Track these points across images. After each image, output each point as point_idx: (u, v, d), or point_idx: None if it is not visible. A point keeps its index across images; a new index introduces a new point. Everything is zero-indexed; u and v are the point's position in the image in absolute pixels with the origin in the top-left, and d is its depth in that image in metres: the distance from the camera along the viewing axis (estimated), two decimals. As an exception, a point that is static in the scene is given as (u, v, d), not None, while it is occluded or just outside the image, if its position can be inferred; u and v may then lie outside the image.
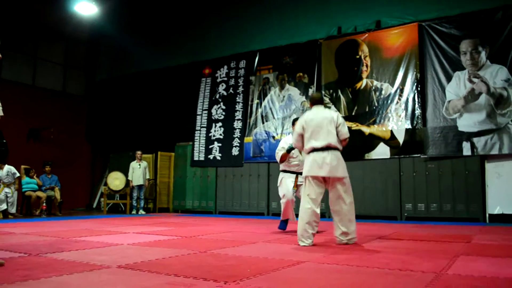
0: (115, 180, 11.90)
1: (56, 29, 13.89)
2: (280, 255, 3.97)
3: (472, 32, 9.08)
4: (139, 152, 11.76)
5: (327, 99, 10.43)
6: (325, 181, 4.76)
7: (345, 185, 4.74)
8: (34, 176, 10.77)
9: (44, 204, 10.46)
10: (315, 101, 5.10)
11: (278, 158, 6.19)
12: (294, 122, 6.07)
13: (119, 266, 3.34)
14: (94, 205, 14.38)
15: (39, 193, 10.51)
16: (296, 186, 6.17)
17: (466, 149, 8.75)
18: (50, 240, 5.09)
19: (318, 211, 4.72)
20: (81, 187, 14.42)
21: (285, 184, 6.23)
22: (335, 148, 4.75)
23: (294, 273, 3.16)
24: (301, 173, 5.54)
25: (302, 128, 4.91)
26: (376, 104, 9.83)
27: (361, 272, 3.18)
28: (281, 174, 6.39)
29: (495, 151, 8.51)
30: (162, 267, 3.31)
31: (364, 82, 10.13)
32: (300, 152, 6.04)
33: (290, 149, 6.00)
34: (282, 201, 6.23)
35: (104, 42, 15.06)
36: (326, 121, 4.80)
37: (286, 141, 6.19)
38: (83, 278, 2.91)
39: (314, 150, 4.76)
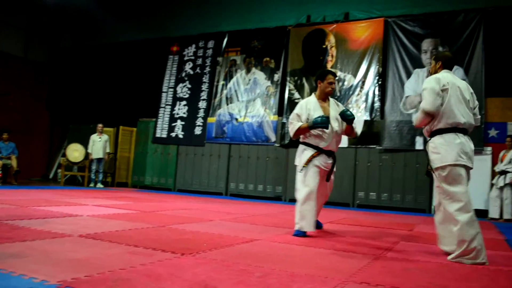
0: (74, 152, 11.80)
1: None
2: (235, 232, 4.19)
3: (434, 32, 9.47)
4: (100, 125, 11.67)
5: (291, 86, 10.66)
6: None
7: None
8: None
9: (0, 172, 10.28)
10: (449, 63, 3.75)
11: (291, 132, 4.40)
12: (320, 76, 4.46)
13: (81, 235, 3.47)
14: (51, 176, 14.21)
15: (-5, 160, 10.32)
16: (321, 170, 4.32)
17: (419, 144, 9.20)
18: (9, 208, 5.12)
19: None
20: (38, 157, 14.17)
21: (309, 168, 4.30)
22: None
23: (247, 248, 3.39)
24: (329, 152, 4.36)
25: (441, 91, 3.49)
26: (338, 94, 10.13)
27: (308, 251, 3.44)
28: (302, 149, 4.45)
29: (445, 147, 8.97)
30: (122, 238, 3.47)
31: (328, 72, 10.39)
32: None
33: (313, 126, 4.21)
34: (300, 196, 4.31)
35: (71, 8, 14.65)
36: (467, 94, 3.59)
37: (302, 106, 4.40)
38: (46, 244, 3.04)
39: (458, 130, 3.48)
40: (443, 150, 3.46)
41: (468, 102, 3.55)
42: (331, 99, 4.57)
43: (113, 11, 13.57)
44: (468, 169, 3.48)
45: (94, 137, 11.53)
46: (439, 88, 3.46)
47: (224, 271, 2.56)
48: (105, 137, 11.66)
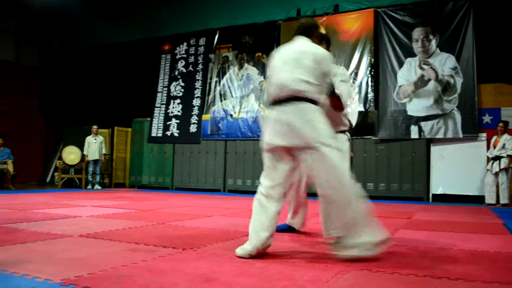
0: (70, 154, 11.78)
1: (9, -3, 13.38)
2: (235, 227, 4.21)
3: (424, 20, 9.50)
4: (95, 127, 11.65)
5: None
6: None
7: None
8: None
9: (-4, 177, 10.27)
10: (301, 30, 3.15)
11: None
12: None
13: (81, 235, 3.48)
14: (48, 180, 14.17)
15: (-9, 166, 10.29)
16: None
17: (414, 133, 9.24)
18: (8, 212, 5.12)
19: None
20: (35, 161, 14.14)
21: None
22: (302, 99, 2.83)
23: (247, 241, 3.40)
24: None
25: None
26: (331, 87, 10.13)
27: (308, 241, 3.46)
28: None
29: (440, 135, 9.04)
30: (123, 236, 3.48)
31: (321, 64, 10.40)
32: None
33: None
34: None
35: (61, 11, 14.58)
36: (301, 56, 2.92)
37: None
38: (47, 245, 3.04)
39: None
40: None
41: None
42: None
43: (103, 12, 13.50)
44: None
45: (90, 139, 11.52)
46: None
47: (225, 263, 2.58)
48: (100, 138, 11.65)
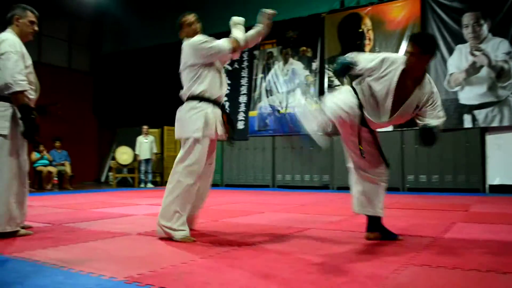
0: (123, 155, 12.16)
1: (60, 5, 13.91)
2: (287, 223, 4.22)
3: (473, 5, 9.12)
4: (145, 127, 11.97)
5: (330, 73, 10.55)
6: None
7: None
8: (44, 152, 10.98)
9: (56, 178, 10.74)
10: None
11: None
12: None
13: (139, 233, 3.60)
14: (103, 179, 14.69)
15: (50, 168, 10.76)
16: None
17: (467, 122, 8.92)
18: (68, 212, 5.35)
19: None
20: (89, 162, 14.69)
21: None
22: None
23: (301, 237, 3.41)
24: None
25: None
26: (379, 78, 9.93)
27: (361, 237, 3.41)
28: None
29: (495, 123, 8.68)
30: (179, 234, 3.55)
31: (367, 55, 10.22)
32: None
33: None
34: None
35: (108, 17, 15.06)
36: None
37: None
38: (108, 243, 3.17)
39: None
40: None
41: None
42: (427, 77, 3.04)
43: (148, 15, 13.81)
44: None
45: (141, 139, 11.84)
46: None
47: (282, 260, 2.59)
48: (151, 138, 11.95)
